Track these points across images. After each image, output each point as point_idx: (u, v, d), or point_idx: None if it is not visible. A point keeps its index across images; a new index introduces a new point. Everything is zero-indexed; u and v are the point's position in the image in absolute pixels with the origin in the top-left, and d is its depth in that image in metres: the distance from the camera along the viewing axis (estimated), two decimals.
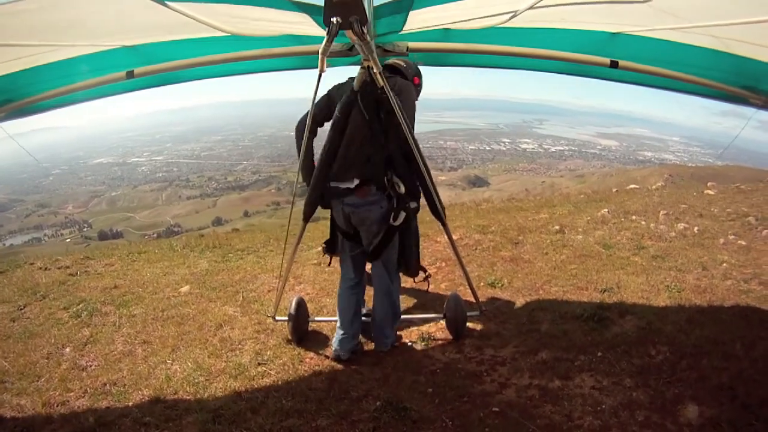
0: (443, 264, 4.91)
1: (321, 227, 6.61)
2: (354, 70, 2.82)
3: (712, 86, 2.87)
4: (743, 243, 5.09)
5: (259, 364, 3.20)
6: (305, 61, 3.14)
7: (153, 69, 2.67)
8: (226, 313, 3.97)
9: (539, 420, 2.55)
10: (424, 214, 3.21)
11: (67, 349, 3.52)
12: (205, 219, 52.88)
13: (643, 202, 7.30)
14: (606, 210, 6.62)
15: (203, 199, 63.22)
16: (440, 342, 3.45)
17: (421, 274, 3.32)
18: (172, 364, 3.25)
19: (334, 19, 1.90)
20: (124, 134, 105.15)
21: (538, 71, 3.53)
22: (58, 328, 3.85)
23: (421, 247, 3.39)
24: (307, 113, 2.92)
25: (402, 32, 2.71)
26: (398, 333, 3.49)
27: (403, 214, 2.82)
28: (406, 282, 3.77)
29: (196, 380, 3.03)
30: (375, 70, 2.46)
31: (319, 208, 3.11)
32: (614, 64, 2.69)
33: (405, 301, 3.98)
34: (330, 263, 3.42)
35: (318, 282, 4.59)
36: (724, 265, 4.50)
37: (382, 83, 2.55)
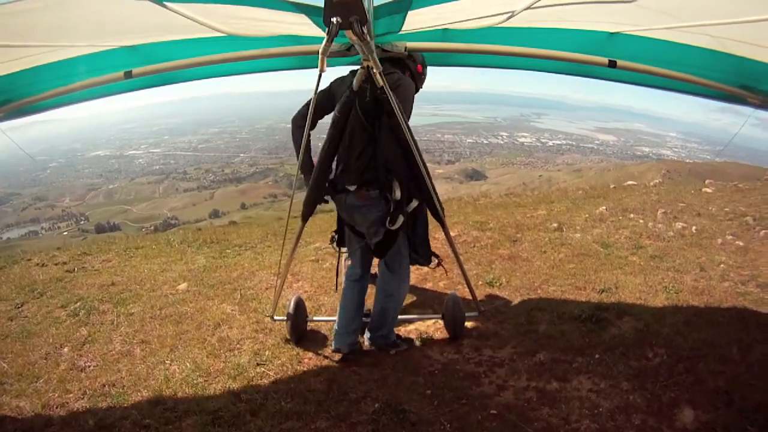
0: (441, 261, 4.90)
1: (319, 222, 6.62)
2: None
3: (710, 86, 2.87)
4: (741, 243, 5.11)
5: (257, 364, 3.19)
6: (305, 61, 3.13)
7: (151, 69, 2.65)
8: (224, 312, 3.96)
9: (537, 423, 2.56)
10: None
11: (66, 349, 3.51)
12: (202, 211, 52.79)
13: (641, 199, 7.32)
14: (604, 207, 6.63)
15: (200, 191, 62.93)
16: (438, 342, 3.46)
17: (434, 260, 3.36)
18: (170, 365, 3.24)
19: (334, 19, 1.88)
20: (122, 126, 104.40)
21: (536, 71, 3.53)
22: (56, 327, 3.84)
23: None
24: (304, 105, 2.90)
25: (400, 32, 2.68)
26: (398, 334, 3.46)
27: (401, 219, 2.82)
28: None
29: (194, 381, 3.03)
30: (375, 70, 2.44)
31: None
32: (612, 64, 2.68)
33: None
34: (339, 252, 3.48)
35: (316, 279, 4.58)
36: (722, 266, 4.52)
37: (381, 83, 2.53)
